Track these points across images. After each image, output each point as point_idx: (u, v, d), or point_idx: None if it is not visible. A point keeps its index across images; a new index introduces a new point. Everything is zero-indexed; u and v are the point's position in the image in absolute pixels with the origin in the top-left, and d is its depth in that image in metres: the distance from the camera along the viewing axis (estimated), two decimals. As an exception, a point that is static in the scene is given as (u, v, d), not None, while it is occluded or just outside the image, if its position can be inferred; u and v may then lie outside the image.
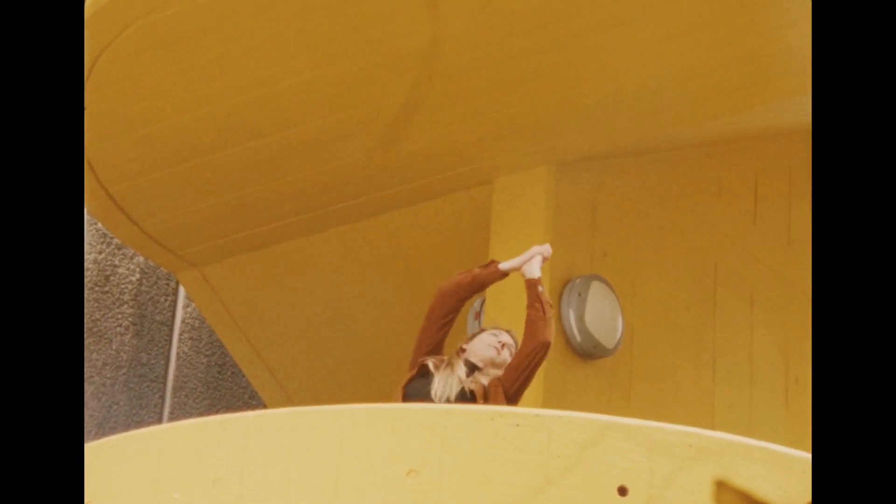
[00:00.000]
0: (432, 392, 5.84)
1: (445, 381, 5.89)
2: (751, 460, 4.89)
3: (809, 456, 4.72)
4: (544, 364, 6.96)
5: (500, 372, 6.04)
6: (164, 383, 9.14)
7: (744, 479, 4.86)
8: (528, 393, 6.83)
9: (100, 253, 8.93)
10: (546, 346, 5.98)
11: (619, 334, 7.34)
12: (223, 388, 9.46)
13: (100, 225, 8.75)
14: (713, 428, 7.03)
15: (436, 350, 6.13)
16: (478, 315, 7.45)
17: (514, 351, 6.16)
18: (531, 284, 6.04)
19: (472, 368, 6.06)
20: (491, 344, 6.16)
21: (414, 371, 6.01)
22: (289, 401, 8.53)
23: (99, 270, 8.91)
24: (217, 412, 9.13)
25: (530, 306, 6.03)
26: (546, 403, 6.83)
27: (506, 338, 6.22)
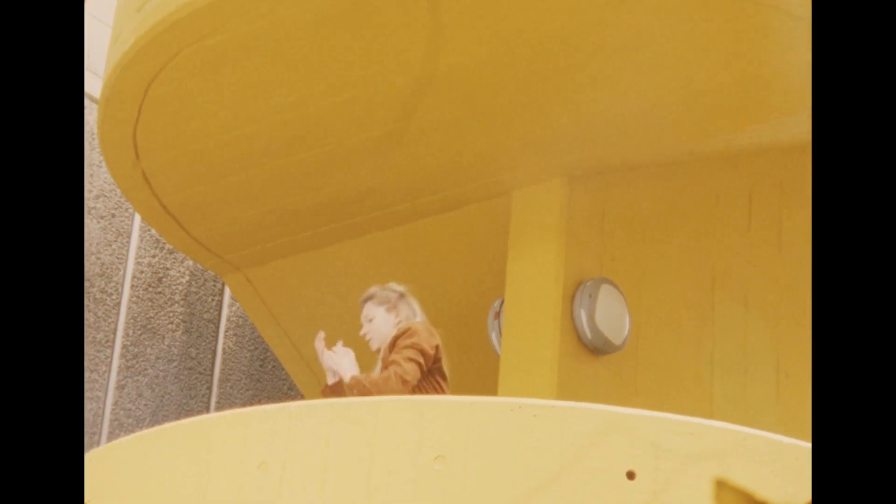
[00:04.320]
0: None
1: None
2: (751, 459, 4.81)
3: (810, 455, 4.65)
4: (559, 358, 6.97)
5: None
6: (212, 376, 9.14)
7: (744, 479, 4.78)
8: (545, 385, 6.83)
9: (153, 257, 8.92)
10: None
11: (626, 332, 7.31)
12: (265, 380, 9.45)
13: (153, 231, 8.75)
14: (711, 417, 7.00)
15: None
16: (497, 314, 7.43)
17: (373, 317, 6.19)
18: (350, 387, 5.97)
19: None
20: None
21: None
22: (325, 392, 8.53)
23: (153, 273, 8.90)
24: (259, 402, 9.13)
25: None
26: (560, 395, 6.82)
27: (364, 311, 6.21)
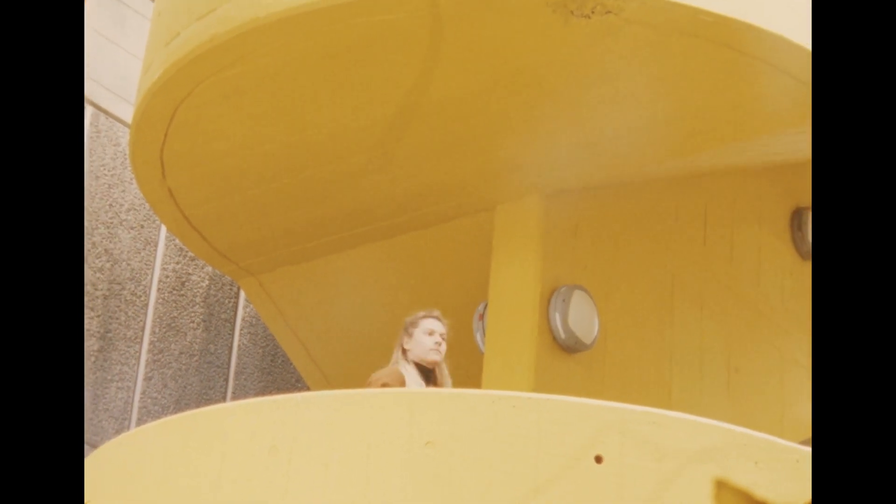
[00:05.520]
0: None
1: None
2: (751, 459, 4.78)
3: (810, 455, 4.57)
4: (536, 356, 7.00)
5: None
6: (228, 369, 9.14)
7: (743, 479, 4.73)
8: (523, 380, 6.87)
9: (177, 263, 8.93)
10: None
11: (595, 333, 7.33)
12: (275, 373, 9.45)
13: (177, 241, 8.77)
14: (669, 408, 7.03)
15: None
16: (481, 316, 7.46)
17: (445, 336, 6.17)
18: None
19: (425, 375, 6.04)
20: (430, 347, 6.12)
21: None
22: (328, 385, 8.54)
23: (176, 277, 8.91)
24: (270, 393, 9.13)
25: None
26: (537, 389, 6.85)
27: (440, 328, 6.16)
